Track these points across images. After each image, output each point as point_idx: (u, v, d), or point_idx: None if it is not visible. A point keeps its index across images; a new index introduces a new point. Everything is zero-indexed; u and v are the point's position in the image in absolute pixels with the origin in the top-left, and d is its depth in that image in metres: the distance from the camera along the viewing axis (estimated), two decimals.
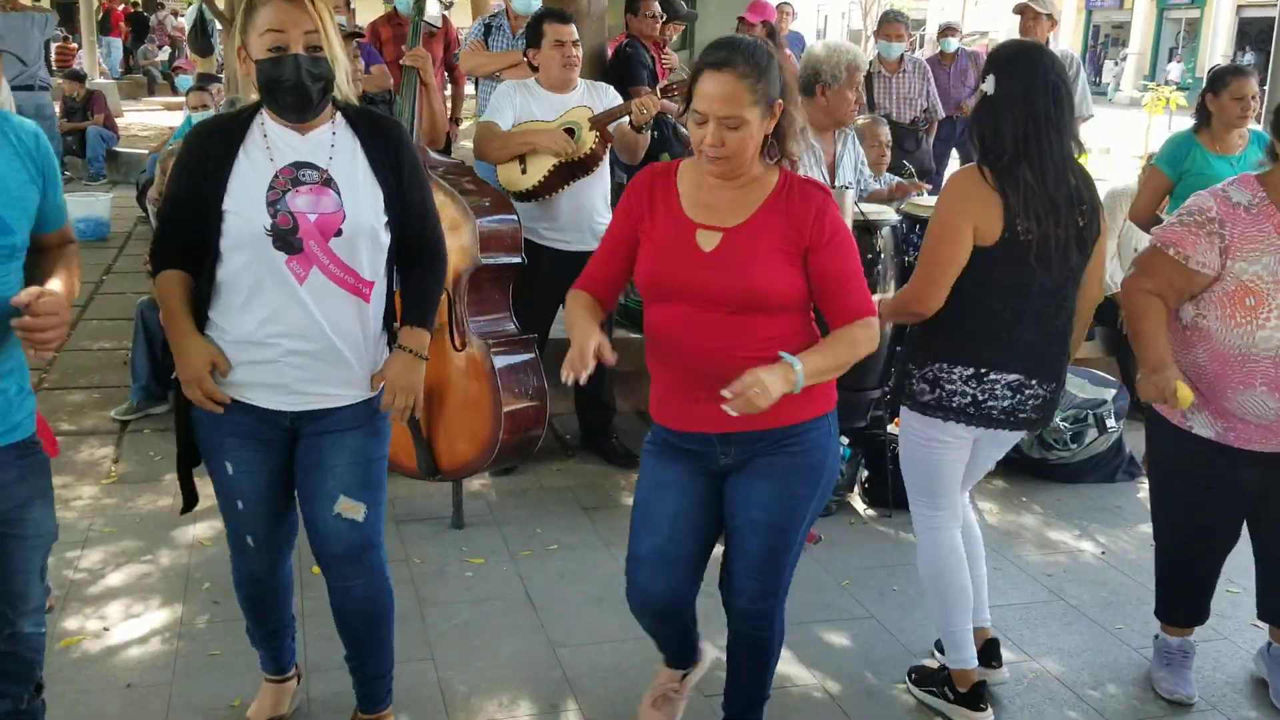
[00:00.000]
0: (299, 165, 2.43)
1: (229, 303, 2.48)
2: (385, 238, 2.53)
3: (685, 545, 2.62)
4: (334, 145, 2.47)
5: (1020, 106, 2.75)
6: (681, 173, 2.53)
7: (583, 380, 2.33)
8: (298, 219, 2.40)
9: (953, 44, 8.04)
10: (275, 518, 2.70)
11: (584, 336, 2.39)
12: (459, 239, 3.79)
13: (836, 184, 4.21)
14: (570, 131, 4.35)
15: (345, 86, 2.47)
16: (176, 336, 2.49)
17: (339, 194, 2.44)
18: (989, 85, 2.80)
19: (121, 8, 23.55)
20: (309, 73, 2.35)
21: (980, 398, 2.88)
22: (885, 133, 5.39)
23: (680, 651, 2.91)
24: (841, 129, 4.24)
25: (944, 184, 2.93)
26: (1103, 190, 5.71)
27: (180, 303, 2.50)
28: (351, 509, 2.60)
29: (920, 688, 3.22)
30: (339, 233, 2.43)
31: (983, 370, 2.86)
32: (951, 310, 2.83)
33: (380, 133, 2.54)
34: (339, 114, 2.51)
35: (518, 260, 4.07)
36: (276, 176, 2.41)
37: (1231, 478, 3.04)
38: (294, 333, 2.46)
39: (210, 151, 2.44)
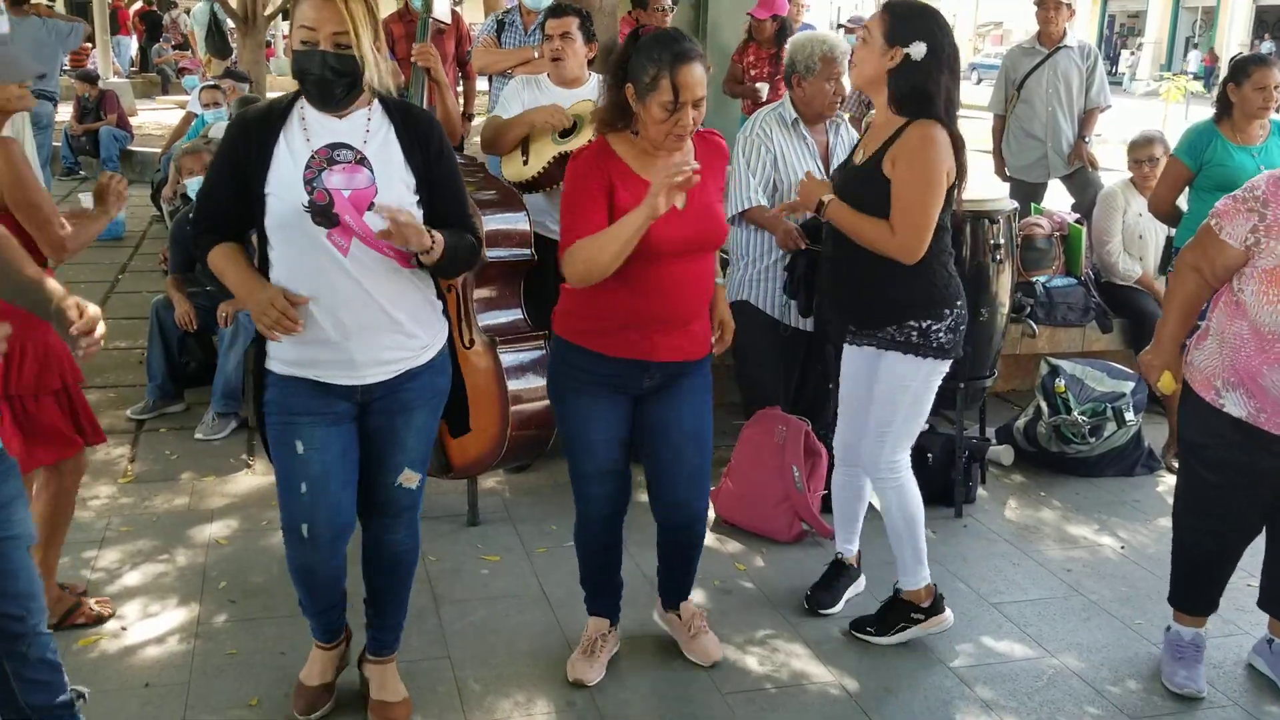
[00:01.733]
0: (335, 146, 2.57)
1: (284, 283, 2.58)
2: (418, 214, 2.62)
3: (623, 461, 3.08)
4: (369, 129, 2.62)
5: (947, 65, 3.10)
6: (616, 149, 2.86)
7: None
8: (333, 195, 2.53)
9: None
10: (335, 505, 2.73)
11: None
12: None
13: (833, 173, 4.21)
14: (574, 124, 4.35)
15: (383, 79, 2.62)
16: (243, 279, 2.60)
17: (372, 171, 2.57)
18: (918, 49, 3.04)
19: (137, 6, 23.63)
20: (333, 68, 2.50)
21: (957, 335, 3.25)
22: None
23: (612, 601, 3.30)
24: (833, 118, 4.28)
25: (921, 137, 3.08)
26: (1112, 181, 5.70)
27: (244, 260, 2.64)
28: (410, 479, 2.84)
29: (889, 634, 3.40)
30: (371, 205, 2.55)
31: (959, 306, 3.24)
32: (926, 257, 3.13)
33: (412, 120, 2.69)
34: (376, 101, 2.65)
35: (527, 255, 4.06)
36: (313, 156, 2.56)
37: (1257, 463, 3.03)
38: (348, 305, 2.58)
39: (251, 138, 2.58)
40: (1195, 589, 3.28)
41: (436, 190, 2.67)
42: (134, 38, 21.87)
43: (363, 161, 2.57)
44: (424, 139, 2.66)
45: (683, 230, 2.79)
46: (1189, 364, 3.14)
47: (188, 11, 20.98)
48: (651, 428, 3.04)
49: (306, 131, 2.58)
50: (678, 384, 3.01)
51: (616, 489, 3.12)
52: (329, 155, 2.56)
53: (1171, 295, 3.15)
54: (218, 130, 6.36)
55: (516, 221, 4.05)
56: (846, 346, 3.39)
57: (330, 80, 2.51)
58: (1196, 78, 19.43)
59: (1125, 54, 37.88)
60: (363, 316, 2.60)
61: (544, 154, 4.37)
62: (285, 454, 2.69)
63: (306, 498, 2.69)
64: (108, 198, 3.42)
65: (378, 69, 2.57)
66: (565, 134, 4.37)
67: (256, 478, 4.53)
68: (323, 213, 2.52)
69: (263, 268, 2.63)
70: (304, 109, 2.60)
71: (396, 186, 2.59)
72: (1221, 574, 3.24)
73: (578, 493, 3.14)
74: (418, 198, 2.63)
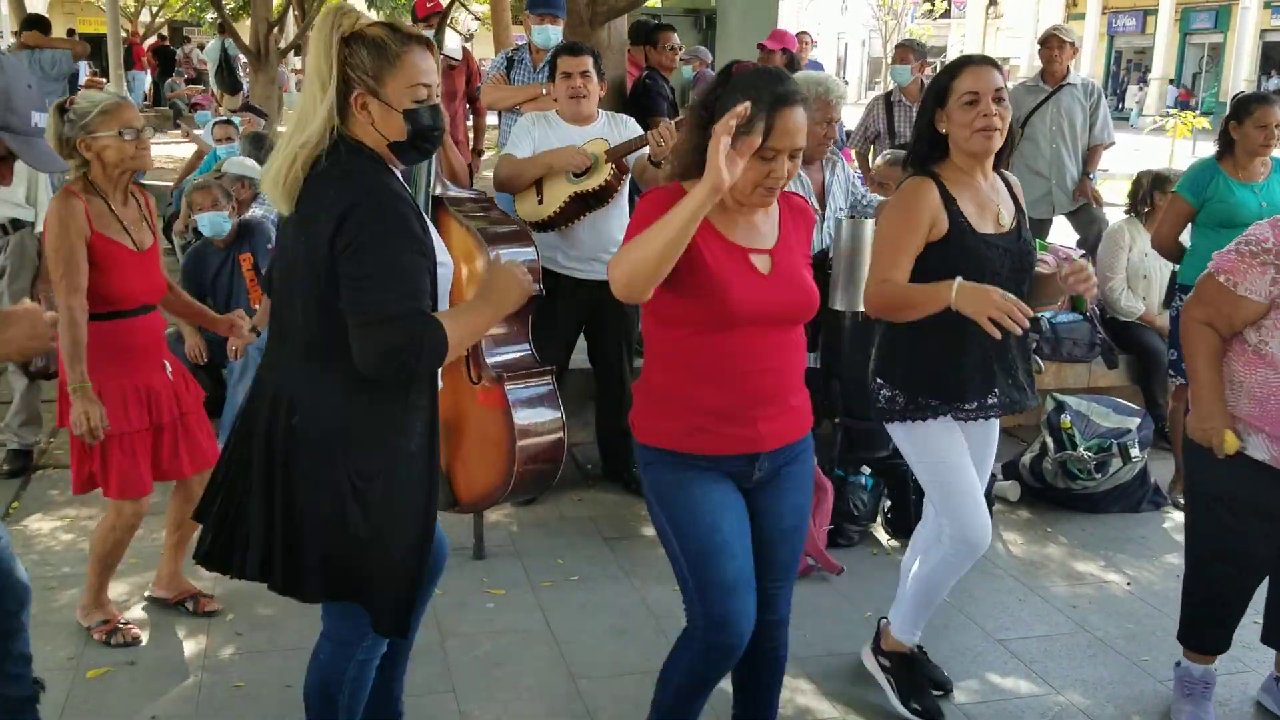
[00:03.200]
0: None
1: None
2: None
3: (751, 566, 2.56)
4: None
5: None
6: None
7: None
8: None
9: (905, 74, 7.02)
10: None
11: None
12: (476, 272, 3.81)
13: (828, 211, 4.26)
14: (589, 164, 4.38)
15: None
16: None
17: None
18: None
19: (151, 41, 23.91)
20: (441, 120, 2.36)
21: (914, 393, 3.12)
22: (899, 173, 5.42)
23: None
24: (828, 156, 4.32)
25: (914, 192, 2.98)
26: (1116, 218, 5.73)
27: None
28: None
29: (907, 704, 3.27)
30: None
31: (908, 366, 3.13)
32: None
33: None
34: None
35: (535, 290, 4.08)
36: None
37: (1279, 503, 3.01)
38: None
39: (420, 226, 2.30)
40: (1209, 629, 3.24)
41: None
42: (148, 73, 22.13)
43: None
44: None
45: (766, 294, 2.45)
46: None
47: (201, 47, 21.24)
48: (751, 518, 2.61)
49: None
50: (780, 474, 2.61)
51: (754, 605, 2.54)
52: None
53: (1195, 354, 3.02)
54: (230, 165, 6.40)
55: (525, 256, 4.08)
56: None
57: (441, 134, 2.36)
58: (1205, 113, 19.52)
59: (1132, 89, 38.05)
60: None
61: (559, 194, 4.40)
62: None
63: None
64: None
65: None
66: (579, 173, 4.41)
67: None
68: None
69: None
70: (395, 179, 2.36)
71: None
72: (1236, 613, 3.21)
73: (709, 613, 2.51)
74: None
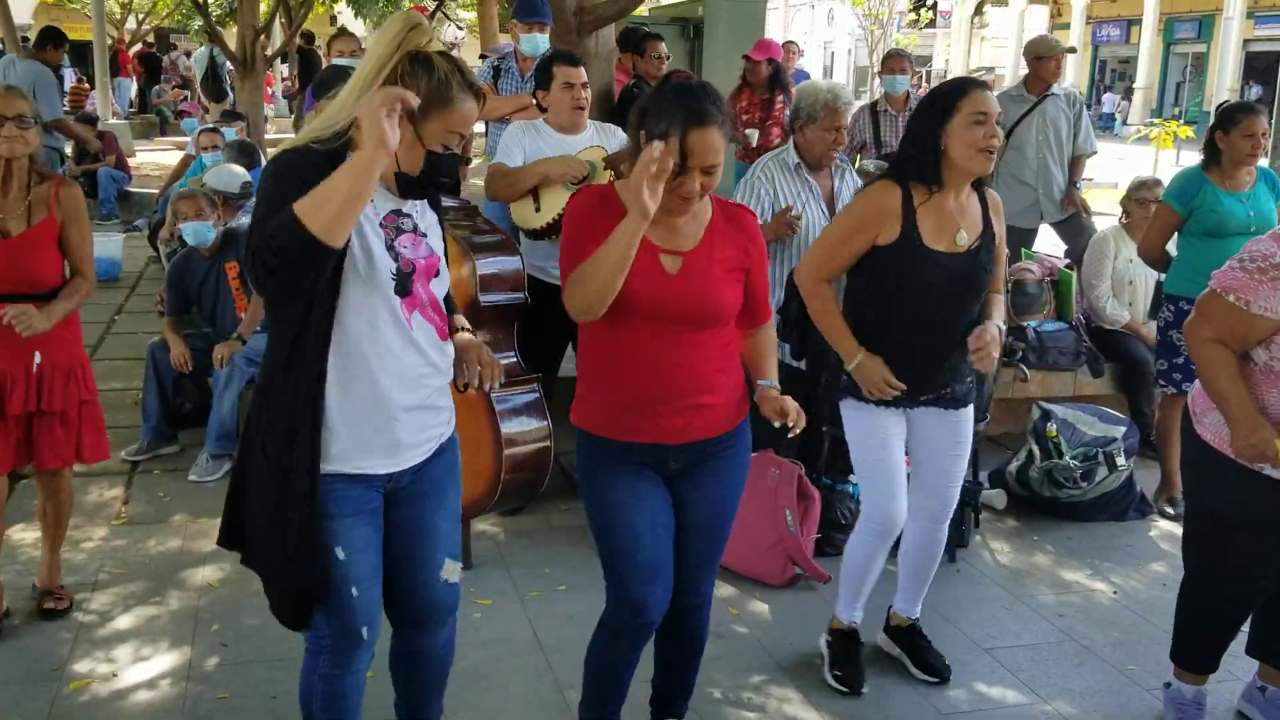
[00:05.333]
0: (397, 213, 2.39)
1: (346, 355, 2.32)
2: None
3: (668, 552, 2.72)
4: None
5: None
6: (622, 196, 2.58)
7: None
8: (414, 263, 2.38)
9: (901, 84, 6.97)
10: (379, 597, 2.50)
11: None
12: (458, 279, 3.80)
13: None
14: (587, 172, 4.38)
15: None
16: None
17: (428, 240, 2.44)
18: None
19: (137, 48, 23.82)
20: (456, 174, 2.39)
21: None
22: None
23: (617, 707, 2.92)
24: (837, 163, 4.36)
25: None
26: (1104, 226, 5.76)
27: None
28: (453, 571, 2.57)
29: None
30: (438, 273, 2.45)
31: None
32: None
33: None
34: None
35: (520, 298, 4.08)
36: (383, 221, 2.35)
37: None
38: (403, 380, 2.37)
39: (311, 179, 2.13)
40: (1206, 649, 3.21)
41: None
42: (134, 79, 22.05)
43: (418, 231, 2.41)
44: (437, 207, 2.54)
45: (667, 292, 2.55)
46: (1204, 426, 3.03)
47: (188, 54, 21.19)
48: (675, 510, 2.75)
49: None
50: (700, 467, 2.71)
51: (666, 589, 2.71)
52: (395, 223, 2.37)
53: (1216, 374, 2.90)
54: (211, 176, 6.36)
55: (511, 265, 4.08)
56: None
57: (448, 187, 2.39)
58: (1189, 121, 19.67)
59: (1109, 96, 38.24)
60: (415, 393, 2.40)
61: (557, 201, 4.38)
62: (329, 564, 2.37)
63: (362, 595, 2.42)
64: None
65: None
66: (577, 180, 4.40)
67: None
68: (404, 280, 2.34)
69: (324, 326, 2.29)
70: None
71: (443, 254, 2.49)
72: (1234, 632, 3.18)
73: (618, 597, 2.70)
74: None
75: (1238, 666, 3.54)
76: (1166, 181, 5.39)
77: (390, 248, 2.33)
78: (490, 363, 2.55)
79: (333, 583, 2.38)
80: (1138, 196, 5.51)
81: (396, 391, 2.36)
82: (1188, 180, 4.71)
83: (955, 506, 3.45)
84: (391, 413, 2.37)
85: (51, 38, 9.01)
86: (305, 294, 2.23)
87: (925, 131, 3.06)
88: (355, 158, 2.09)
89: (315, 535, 2.32)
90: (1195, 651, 3.24)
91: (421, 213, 2.46)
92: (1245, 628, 3.27)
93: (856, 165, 6.65)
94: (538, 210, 4.43)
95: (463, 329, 2.64)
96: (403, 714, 2.78)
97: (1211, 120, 4.78)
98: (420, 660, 2.66)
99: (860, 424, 3.31)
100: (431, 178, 2.31)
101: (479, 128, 8.20)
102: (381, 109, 2.04)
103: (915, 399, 3.24)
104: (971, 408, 3.35)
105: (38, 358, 3.50)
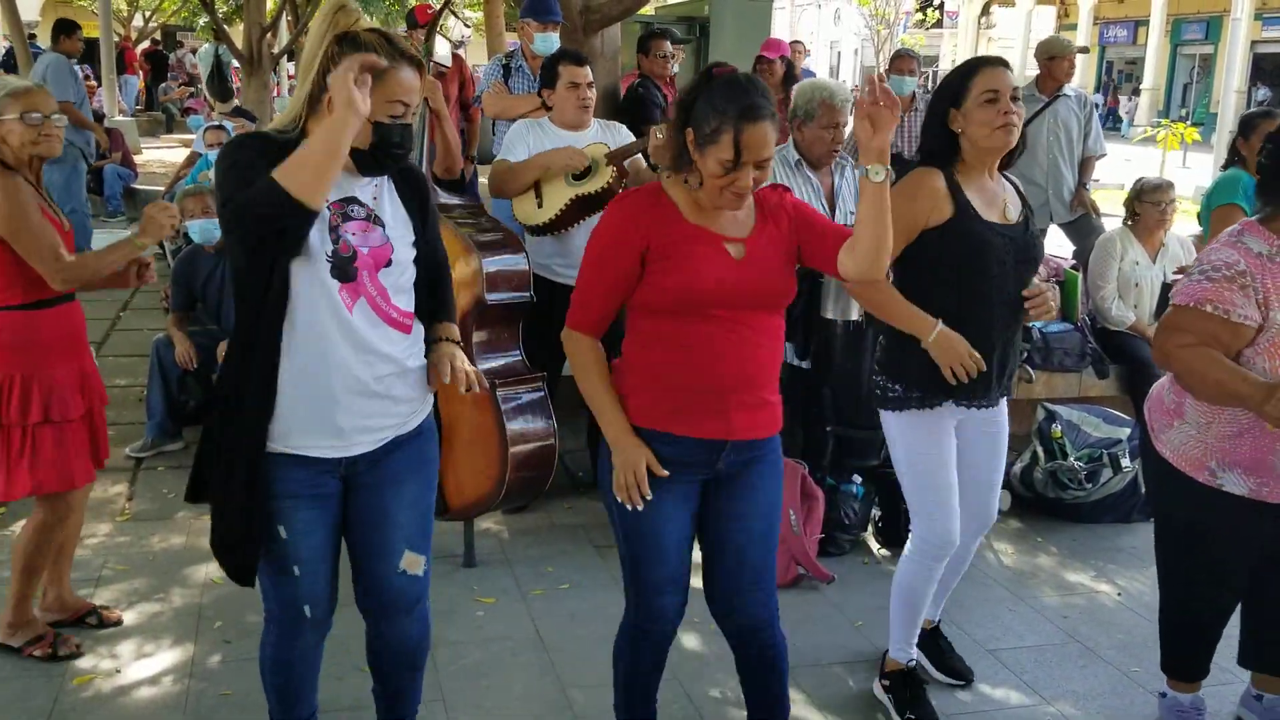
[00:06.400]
0: (347, 200, 2.42)
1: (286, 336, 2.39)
2: (414, 273, 2.55)
3: (689, 563, 2.71)
4: (376, 185, 2.48)
5: None
6: (670, 193, 2.57)
7: (640, 507, 2.53)
8: (356, 249, 2.40)
9: (909, 85, 6.87)
10: (329, 581, 2.57)
11: (633, 454, 2.53)
12: (464, 278, 3.80)
13: (837, 215, 4.27)
14: (587, 168, 4.38)
15: None
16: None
17: (384, 230, 2.46)
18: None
19: (144, 45, 23.85)
20: (409, 142, 2.42)
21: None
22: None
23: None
24: (838, 160, 4.35)
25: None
26: (1112, 227, 5.74)
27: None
28: (414, 564, 2.60)
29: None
30: (389, 264, 2.46)
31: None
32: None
33: (411, 178, 2.59)
34: None
35: (526, 297, 4.08)
36: (328, 207, 2.38)
37: (1259, 531, 2.95)
38: (342, 367, 2.41)
39: (261, 166, 2.25)
40: (1193, 656, 3.19)
41: (425, 248, 2.58)
42: (140, 77, 22.09)
43: (375, 220, 2.44)
44: (421, 197, 2.57)
45: (737, 276, 2.51)
46: (1163, 443, 3.01)
47: (194, 51, 21.23)
48: (717, 519, 2.69)
49: None
50: (744, 472, 2.66)
51: (684, 599, 2.73)
52: (343, 210, 2.39)
53: (1208, 369, 2.76)
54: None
55: (516, 264, 4.08)
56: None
57: (404, 155, 2.43)
58: (1195, 124, 19.59)
59: (1123, 100, 38.17)
60: (354, 379, 2.41)
61: (559, 197, 4.38)
62: (269, 540, 2.46)
63: (304, 575, 2.50)
64: (148, 226, 3.31)
65: None
66: (579, 176, 4.40)
67: None
68: (343, 265, 2.37)
69: (253, 304, 2.36)
70: None
71: (404, 246, 2.49)
72: (1216, 636, 3.16)
73: (640, 605, 2.71)
74: (415, 254, 2.54)
75: (1238, 668, 3.53)
76: (1168, 182, 5.40)
77: (332, 230, 2.37)
78: (461, 369, 2.55)
79: (275, 560, 2.48)
80: (1150, 199, 5.48)
81: (333, 376, 2.40)
82: (1241, 181, 4.69)
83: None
84: (331, 395, 2.41)
85: (62, 28, 9.25)
86: (279, 265, 2.33)
87: (937, 119, 3.01)
88: (326, 121, 2.21)
89: (255, 512, 2.42)
90: (1181, 659, 3.21)
91: (386, 206, 2.48)
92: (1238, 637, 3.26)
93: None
94: (540, 206, 4.42)
95: (447, 339, 2.64)
96: (379, 701, 2.83)
97: (1234, 128, 4.76)
98: (388, 648, 2.71)
99: (916, 438, 3.11)
100: (384, 149, 2.37)
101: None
102: (348, 74, 2.16)
103: (987, 389, 3.05)
104: (1006, 407, 3.22)
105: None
